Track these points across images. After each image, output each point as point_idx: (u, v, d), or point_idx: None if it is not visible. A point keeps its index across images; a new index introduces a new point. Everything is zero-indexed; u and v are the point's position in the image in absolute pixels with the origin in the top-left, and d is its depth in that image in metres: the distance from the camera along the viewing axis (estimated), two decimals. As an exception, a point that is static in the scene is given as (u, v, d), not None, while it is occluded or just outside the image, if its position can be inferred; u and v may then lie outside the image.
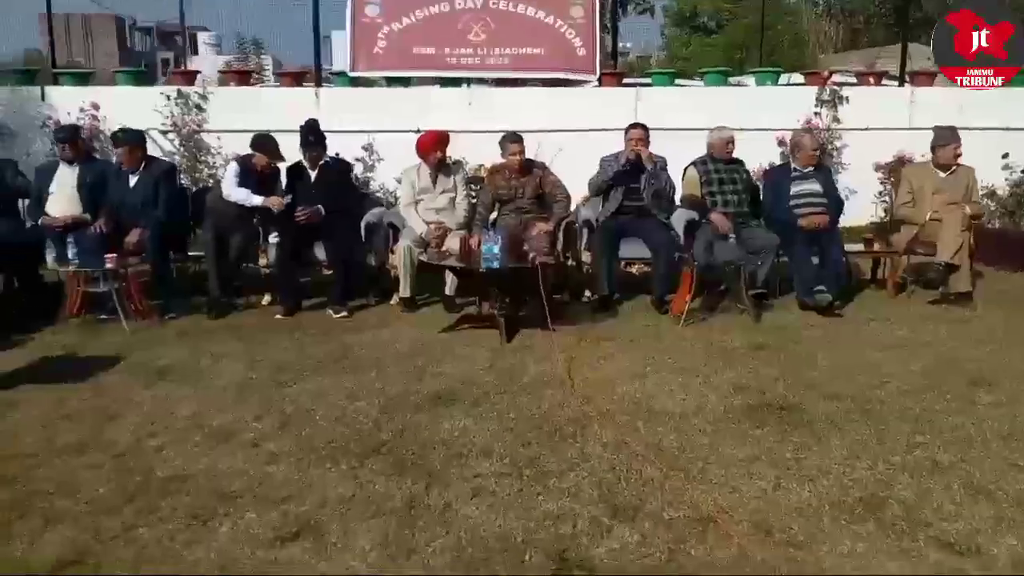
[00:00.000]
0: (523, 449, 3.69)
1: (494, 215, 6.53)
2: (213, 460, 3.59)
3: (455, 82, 8.95)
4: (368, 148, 8.41)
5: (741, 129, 7.40)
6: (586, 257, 6.35)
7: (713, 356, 5.01)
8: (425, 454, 3.63)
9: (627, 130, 6.61)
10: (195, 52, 29.45)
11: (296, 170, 6.45)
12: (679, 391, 4.40)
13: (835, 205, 6.53)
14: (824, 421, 3.99)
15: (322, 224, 6.19)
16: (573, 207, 6.64)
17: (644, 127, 6.57)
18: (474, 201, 6.55)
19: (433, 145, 6.30)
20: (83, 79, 9.10)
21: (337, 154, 7.49)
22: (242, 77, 8.99)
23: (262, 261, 6.26)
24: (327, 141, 6.51)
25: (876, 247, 6.65)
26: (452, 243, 6.06)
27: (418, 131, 8.02)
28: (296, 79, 8.88)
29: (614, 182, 6.39)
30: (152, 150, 8.21)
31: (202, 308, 6.10)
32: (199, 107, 8.57)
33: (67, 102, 8.46)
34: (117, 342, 5.40)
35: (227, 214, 6.22)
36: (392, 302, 6.35)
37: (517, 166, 6.25)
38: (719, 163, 6.58)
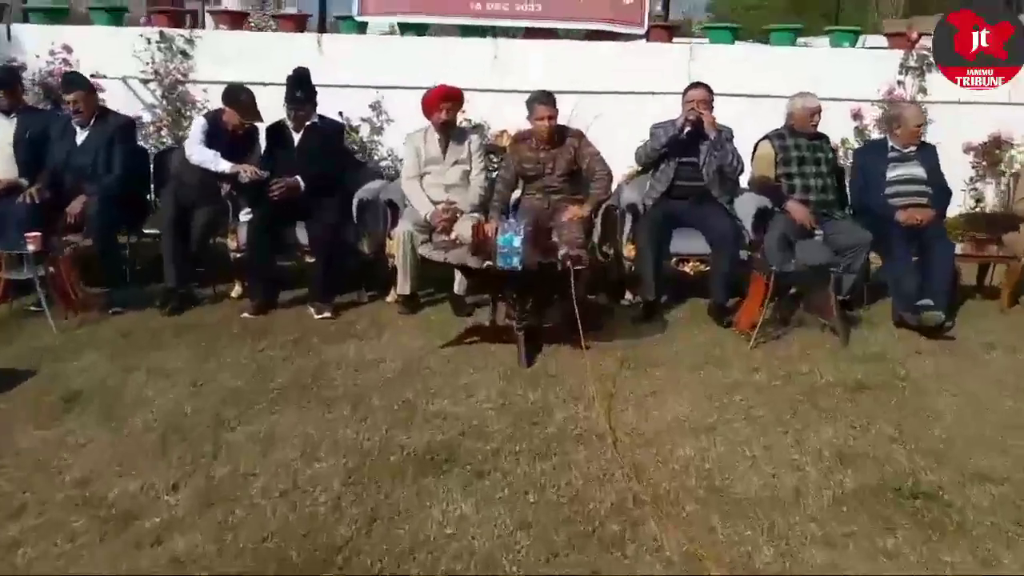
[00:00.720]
0: (545, 566, 2.45)
1: (517, 194, 5.24)
2: (89, 567, 2.39)
3: (479, 31, 7.56)
4: (376, 107, 7.04)
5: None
6: (629, 250, 5.04)
7: (800, 399, 3.72)
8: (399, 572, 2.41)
9: (686, 91, 5.26)
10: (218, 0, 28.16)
11: (277, 132, 5.18)
12: (763, 459, 3.14)
13: (941, 195, 5.17)
14: (980, 521, 2.72)
15: (304, 200, 4.93)
16: (615, 187, 5.29)
17: (708, 88, 5.21)
18: (493, 176, 5.26)
19: (438, 100, 4.98)
20: (55, 16, 7.79)
21: (340, 113, 6.29)
22: (235, 19, 7.64)
23: (231, 243, 5.01)
24: (318, 97, 5.21)
25: (989, 250, 5.27)
26: (463, 229, 4.78)
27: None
28: (298, 24, 7.53)
29: (668, 150, 5.07)
30: (130, 101, 7.06)
31: (156, 301, 4.87)
32: (184, 53, 7.24)
33: (35, 43, 7.16)
34: (34, 347, 4.19)
35: (191, 184, 4.97)
36: (389, 299, 5.09)
37: (547, 134, 4.93)
38: (800, 138, 5.22)
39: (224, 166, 4.86)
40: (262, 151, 5.17)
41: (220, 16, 7.80)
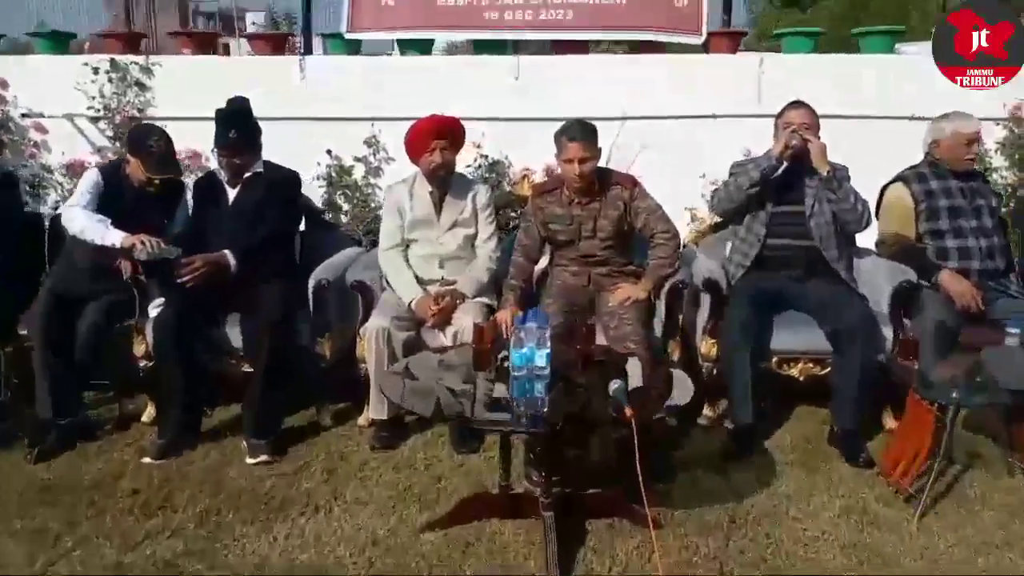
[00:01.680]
0: None
1: (542, 263, 3.64)
2: None
3: (496, 47, 5.98)
4: (372, 143, 5.46)
5: (912, 118, 4.82)
6: (708, 347, 3.38)
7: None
8: None
9: (781, 113, 3.65)
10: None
11: (206, 187, 3.63)
12: None
13: None
14: None
15: (237, 284, 3.37)
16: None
17: (811, 110, 3.58)
18: (510, 242, 3.66)
19: (427, 137, 3.42)
20: (-8, 46, 6.39)
21: (329, 152, 5.01)
22: (202, 42, 6.14)
23: (138, 349, 3.43)
24: (261, 136, 3.68)
25: None
26: (463, 323, 3.19)
27: None
28: (275, 45, 6.02)
29: (760, 191, 3.46)
30: (75, 142, 5.63)
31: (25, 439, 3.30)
32: (140, 84, 5.75)
33: (-32, 77, 5.78)
34: None
35: (79, 266, 3.44)
36: (361, 421, 3.49)
37: (581, 182, 3.34)
38: (949, 179, 3.56)
39: (114, 238, 3.30)
40: (188, 213, 3.63)
41: (181, 39, 6.29)
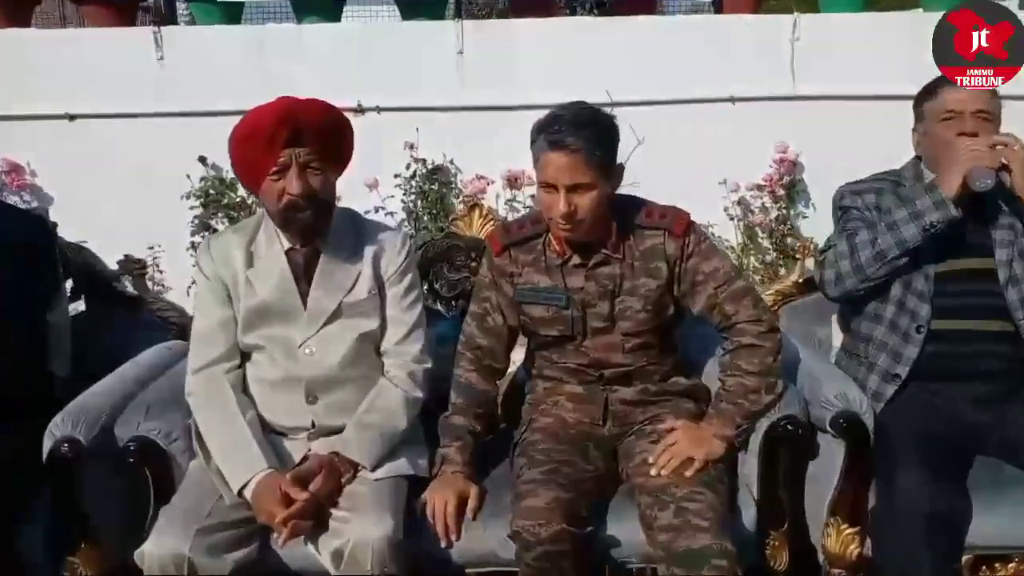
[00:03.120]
0: None
1: (516, 371, 1.91)
2: None
3: (431, 8, 4.21)
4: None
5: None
6: (840, 541, 1.67)
7: None
8: None
9: (928, 93, 2.12)
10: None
11: None
12: None
13: None
14: None
15: None
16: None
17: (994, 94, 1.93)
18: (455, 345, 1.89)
19: (266, 140, 1.61)
20: None
21: (203, 159, 3.69)
22: (11, 7, 4.20)
23: None
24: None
25: None
26: (356, 530, 1.47)
27: (359, 109, 3.66)
28: (120, 14, 4.14)
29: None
30: None
31: None
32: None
33: None
34: None
35: None
36: None
37: (567, 225, 1.63)
38: None
39: None
40: None
41: (91, 9, 4.28)
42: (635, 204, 1.74)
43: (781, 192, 3.74)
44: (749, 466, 1.68)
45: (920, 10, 4.26)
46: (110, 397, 1.70)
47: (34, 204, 3.67)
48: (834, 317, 2.08)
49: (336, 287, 1.71)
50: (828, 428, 1.66)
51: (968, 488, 1.66)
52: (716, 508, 1.51)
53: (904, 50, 3.71)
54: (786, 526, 1.68)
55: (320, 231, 1.70)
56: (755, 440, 1.66)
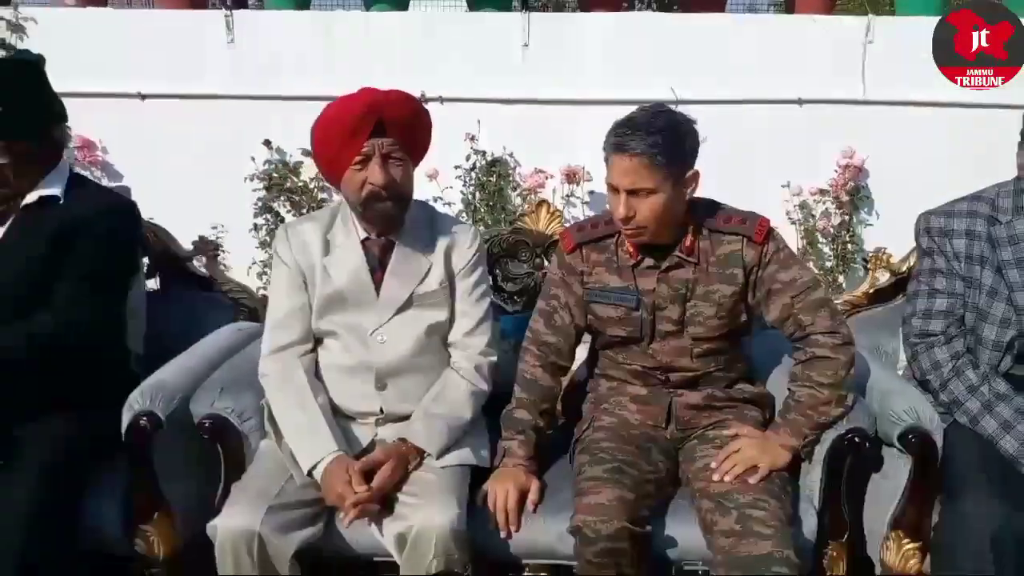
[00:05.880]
0: None
1: (577, 368, 1.94)
2: None
3: (498, 1, 4.24)
4: (325, 130, 3.78)
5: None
6: (903, 555, 1.67)
7: None
8: None
9: None
10: None
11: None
12: None
13: None
14: None
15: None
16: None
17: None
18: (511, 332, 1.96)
19: (349, 132, 1.65)
20: None
21: (268, 142, 3.79)
22: None
23: None
24: (62, 126, 1.96)
25: None
26: (419, 516, 1.52)
27: (423, 98, 3.57)
28: (193, -4, 4.27)
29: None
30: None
31: None
32: (8, 46, 4.04)
33: None
34: None
35: None
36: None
37: (626, 227, 1.68)
38: None
39: None
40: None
41: None
42: (714, 208, 1.75)
43: (845, 198, 3.73)
44: (812, 476, 1.69)
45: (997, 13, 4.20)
46: (186, 375, 1.77)
47: (104, 180, 3.78)
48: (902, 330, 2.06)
49: (409, 277, 1.76)
50: (896, 443, 1.66)
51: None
52: (779, 517, 1.53)
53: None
54: (846, 537, 1.68)
55: (398, 221, 1.75)
56: (820, 451, 1.67)
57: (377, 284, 1.75)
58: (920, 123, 3.72)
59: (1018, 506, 1.57)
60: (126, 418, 1.67)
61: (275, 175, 3.81)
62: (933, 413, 1.68)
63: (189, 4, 4.19)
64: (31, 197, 1.81)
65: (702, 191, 1.79)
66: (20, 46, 3.97)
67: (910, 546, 1.68)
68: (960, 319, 1.81)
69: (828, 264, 3.80)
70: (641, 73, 3.72)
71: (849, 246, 3.80)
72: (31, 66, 1.90)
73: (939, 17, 4.01)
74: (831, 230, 3.77)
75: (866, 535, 1.80)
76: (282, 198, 3.83)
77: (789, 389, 1.71)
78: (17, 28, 4.02)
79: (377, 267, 1.76)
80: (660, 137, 1.60)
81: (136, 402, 1.66)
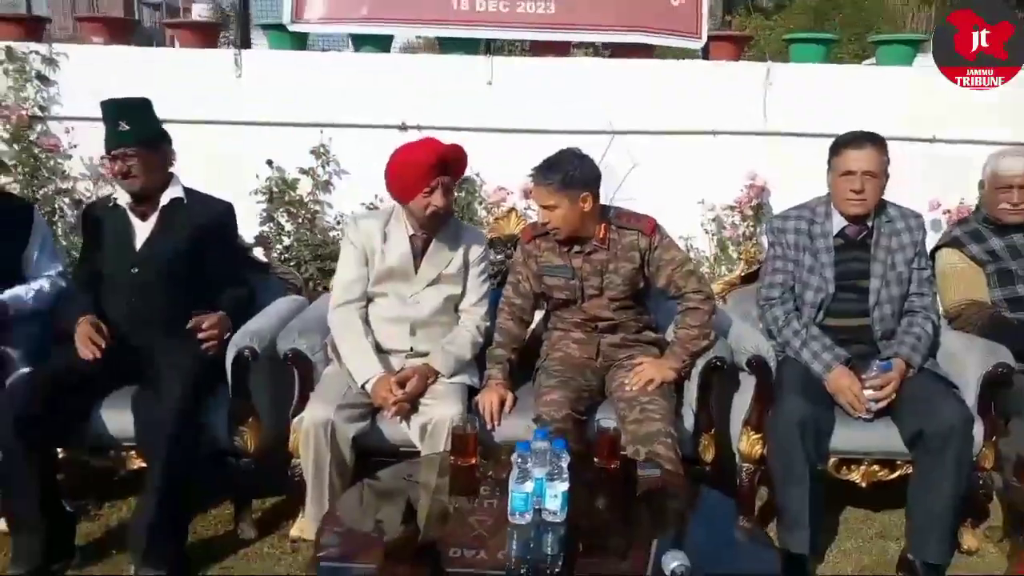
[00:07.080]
0: None
1: (535, 323, 2.82)
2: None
3: (467, 45, 5.08)
4: (320, 153, 4.53)
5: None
6: (750, 445, 2.58)
7: None
8: None
9: (835, 151, 2.85)
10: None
11: (99, 220, 2.72)
12: None
13: None
14: None
15: (125, 352, 2.48)
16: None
17: (879, 147, 2.75)
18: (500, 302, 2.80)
19: (426, 171, 2.52)
20: None
21: (270, 162, 4.31)
22: (114, 28, 5.10)
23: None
24: (169, 148, 2.80)
25: None
26: (434, 413, 2.36)
27: (403, 127, 4.35)
28: (206, 37, 5.00)
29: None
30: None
31: None
32: (43, 77, 4.73)
33: None
34: None
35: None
36: (294, 532, 2.61)
37: (550, 228, 2.61)
38: (1011, 232, 2.84)
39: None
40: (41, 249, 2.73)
41: (89, 24, 5.14)
42: (616, 211, 2.66)
43: (749, 212, 4.36)
44: (691, 389, 2.59)
45: (873, 61, 5.08)
46: (269, 322, 2.61)
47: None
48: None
49: (438, 263, 2.63)
50: (745, 367, 2.57)
51: (834, 410, 2.56)
52: (667, 409, 2.41)
53: (856, 96, 4.54)
54: (713, 431, 2.58)
55: (437, 226, 2.61)
56: (695, 372, 2.56)
57: (416, 266, 2.62)
58: (810, 149, 4.29)
59: (814, 402, 2.48)
60: (230, 353, 2.49)
61: (275, 189, 4.50)
62: (769, 347, 2.60)
63: (204, 43, 4.94)
64: (165, 199, 2.63)
65: (636, 205, 2.65)
66: (52, 78, 4.66)
67: (755, 436, 2.58)
68: (791, 288, 2.73)
69: (736, 268, 4.59)
70: (584, 109, 4.48)
71: (753, 251, 4.61)
72: (147, 102, 2.72)
73: (823, 64, 4.88)
74: (739, 238, 4.43)
75: (731, 437, 2.70)
76: (280, 210, 4.54)
77: (673, 331, 2.61)
78: (50, 62, 4.69)
79: (419, 254, 2.63)
80: (561, 173, 2.48)
81: (239, 340, 2.49)
